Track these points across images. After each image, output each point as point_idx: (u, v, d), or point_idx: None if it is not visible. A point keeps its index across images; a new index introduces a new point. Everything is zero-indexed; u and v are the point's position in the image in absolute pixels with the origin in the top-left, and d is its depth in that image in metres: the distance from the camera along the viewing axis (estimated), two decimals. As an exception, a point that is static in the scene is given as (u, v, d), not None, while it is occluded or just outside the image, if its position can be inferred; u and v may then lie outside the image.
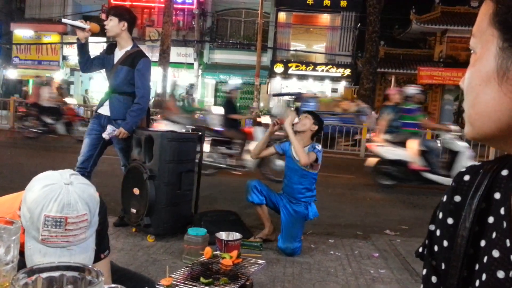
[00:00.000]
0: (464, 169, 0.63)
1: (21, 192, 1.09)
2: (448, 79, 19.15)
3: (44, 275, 0.60)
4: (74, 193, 0.98)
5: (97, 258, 1.27)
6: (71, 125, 10.46)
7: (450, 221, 0.60)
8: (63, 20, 3.75)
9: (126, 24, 3.45)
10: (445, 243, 0.60)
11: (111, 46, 3.60)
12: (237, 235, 2.86)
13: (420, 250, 0.71)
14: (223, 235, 2.83)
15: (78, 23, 3.39)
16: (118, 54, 3.51)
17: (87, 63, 3.51)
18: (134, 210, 3.40)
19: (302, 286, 2.66)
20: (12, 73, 22.49)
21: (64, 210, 0.95)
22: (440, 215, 0.63)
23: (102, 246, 1.32)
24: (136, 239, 3.34)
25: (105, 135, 3.42)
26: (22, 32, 22.12)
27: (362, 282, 2.81)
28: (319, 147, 3.29)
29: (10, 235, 0.69)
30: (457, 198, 0.60)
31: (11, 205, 1.12)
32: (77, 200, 0.97)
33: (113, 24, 3.41)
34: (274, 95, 15.56)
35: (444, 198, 0.64)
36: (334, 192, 6.14)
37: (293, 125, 3.30)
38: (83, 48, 3.44)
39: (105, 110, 3.54)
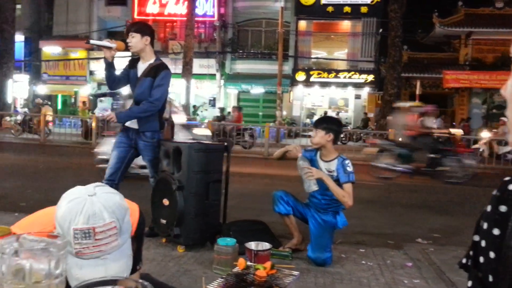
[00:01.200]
0: (508, 178, 0.61)
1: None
2: (475, 82, 18.72)
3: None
4: (98, 203, 0.99)
5: (133, 270, 1.28)
6: None
7: (496, 231, 0.58)
8: (91, 41, 3.82)
9: (149, 39, 3.51)
10: (492, 255, 0.58)
11: (134, 60, 3.65)
12: (266, 245, 2.84)
13: (464, 261, 0.68)
14: (252, 245, 2.82)
15: (104, 42, 3.46)
16: (142, 67, 3.57)
17: (115, 81, 3.59)
18: (163, 221, 3.43)
19: (334, 297, 2.62)
20: (41, 89, 23.24)
21: (90, 221, 0.97)
22: (485, 226, 0.61)
23: (137, 258, 1.33)
24: (167, 249, 3.36)
25: (97, 114, 3.45)
26: (50, 49, 22.90)
27: (396, 292, 2.74)
28: (346, 161, 3.15)
29: (59, 249, 0.70)
30: (503, 208, 0.58)
31: (50, 220, 1.14)
32: (102, 209, 0.99)
33: (136, 40, 3.47)
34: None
35: (488, 208, 0.61)
36: (362, 200, 6.04)
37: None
38: (110, 66, 3.51)
39: (132, 123, 3.58)
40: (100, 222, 0.97)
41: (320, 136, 3.17)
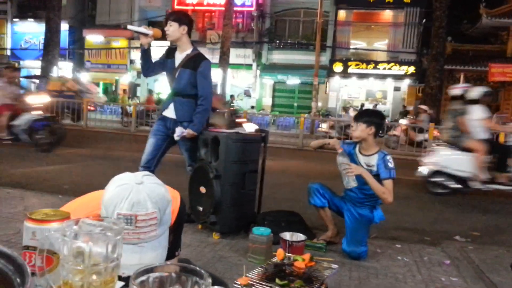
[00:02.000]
0: None
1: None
2: (523, 76, 17.81)
3: (155, 275, 0.65)
4: (144, 192, 1.03)
5: (172, 256, 1.33)
6: None
7: None
8: (128, 27, 3.84)
9: (186, 28, 3.53)
10: None
11: (171, 50, 3.69)
12: (301, 236, 2.86)
13: None
14: (287, 235, 2.84)
15: (142, 29, 3.51)
16: (179, 57, 3.60)
17: (149, 68, 3.64)
18: (200, 208, 3.51)
19: (369, 291, 2.61)
20: (84, 77, 24.06)
21: (134, 208, 1.00)
22: None
23: (177, 244, 1.38)
24: (203, 236, 3.44)
25: (176, 137, 3.54)
26: (93, 38, 23.63)
27: (433, 290, 2.70)
28: (388, 156, 3.08)
29: (115, 234, 0.75)
30: None
31: (97, 203, 1.19)
32: (146, 199, 1.02)
33: (173, 29, 3.50)
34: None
35: None
36: (399, 195, 5.91)
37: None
38: (146, 53, 3.57)
39: (170, 113, 3.66)
40: (142, 210, 1.01)
41: (361, 130, 3.12)
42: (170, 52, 3.68)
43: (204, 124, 3.63)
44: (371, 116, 3.19)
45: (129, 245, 1.00)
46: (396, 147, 11.57)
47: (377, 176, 3.05)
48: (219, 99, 12.12)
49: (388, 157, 3.08)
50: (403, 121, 13.12)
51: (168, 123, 3.68)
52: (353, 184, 3.01)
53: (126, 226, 0.99)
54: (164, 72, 3.73)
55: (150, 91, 20.99)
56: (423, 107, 13.11)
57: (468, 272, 3.06)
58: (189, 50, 3.60)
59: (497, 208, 5.68)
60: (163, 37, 3.57)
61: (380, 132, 3.18)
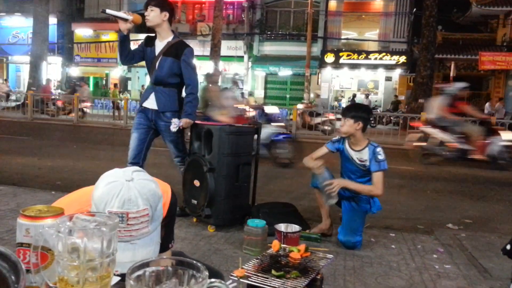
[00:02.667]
0: None
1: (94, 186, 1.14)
2: (513, 63, 17.93)
3: (150, 269, 0.64)
4: (135, 189, 1.01)
5: (165, 248, 1.33)
6: None
7: None
8: (107, 11, 3.54)
9: (167, 15, 3.41)
10: None
11: (150, 38, 3.56)
12: (296, 227, 2.86)
13: (509, 247, 0.68)
14: (282, 227, 2.85)
15: (121, 13, 3.35)
16: (160, 45, 3.48)
17: (128, 55, 3.48)
18: (195, 201, 3.51)
19: (364, 280, 2.63)
20: (74, 71, 23.82)
21: (125, 205, 0.99)
22: None
23: (170, 237, 1.38)
24: (197, 229, 3.45)
25: (173, 128, 3.43)
26: (82, 32, 23.34)
27: (426, 277, 2.73)
28: (378, 149, 3.09)
29: (110, 229, 0.74)
30: None
31: (89, 198, 1.18)
32: (137, 195, 1.01)
33: (155, 15, 3.38)
34: None
35: None
36: (392, 184, 5.98)
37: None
38: (125, 40, 3.42)
39: (151, 104, 3.53)
40: (134, 208, 1.00)
41: (349, 125, 3.11)
42: (150, 41, 3.55)
43: (196, 112, 3.58)
44: (358, 111, 3.17)
45: (121, 243, 0.99)
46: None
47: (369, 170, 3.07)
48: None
49: (378, 150, 3.09)
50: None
51: (149, 115, 3.55)
52: (333, 201, 3.04)
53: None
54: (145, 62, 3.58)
55: (142, 86, 20.85)
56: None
57: (461, 259, 3.10)
58: (170, 38, 3.47)
59: (488, 195, 5.74)
60: (144, 23, 3.40)
61: (367, 124, 3.18)
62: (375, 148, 3.09)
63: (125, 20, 3.30)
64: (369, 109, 3.36)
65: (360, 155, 3.14)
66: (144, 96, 3.63)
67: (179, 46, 3.45)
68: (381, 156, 3.06)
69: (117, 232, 0.94)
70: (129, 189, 1.01)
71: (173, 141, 3.60)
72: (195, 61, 3.64)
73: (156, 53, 3.48)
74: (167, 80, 3.47)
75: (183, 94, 3.63)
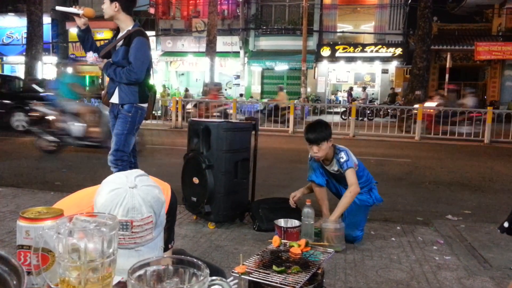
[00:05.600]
0: None
1: (97, 186, 1.14)
2: (509, 53, 17.97)
3: (151, 268, 0.64)
4: (138, 196, 1.00)
5: (166, 248, 1.33)
6: None
7: None
8: (57, 8, 3.49)
9: (117, 4, 3.32)
10: None
11: (117, 31, 3.51)
12: (296, 222, 2.87)
13: (506, 225, 0.67)
14: (282, 222, 2.85)
15: (71, 9, 3.30)
16: (120, 36, 3.43)
17: (91, 50, 3.42)
18: (194, 199, 3.51)
19: (365, 273, 2.64)
20: (69, 70, 23.69)
21: (129, 214, 0.98)
22: None
23: (170, 237, 1.38)
24: (198, 226, 3.45)
25: (88, 60, 3.29)
26: (76, 30, 23.14)
27: (427, 269, 2.74)
28: (338, 155, 3.09)
29: (110, 229, 0.74)
30: None
31: (89, 201, 1.18)
32: (141, 203, 1.00)
33: (105, 7, 3.32)
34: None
35: None
36: (391, 177, 6.00)
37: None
38: (83, 35, 3.36)
39: (114, 98, 3.45)
40: (138, 216, 0.99)
41: (324, 149, 3.08)
42: (116, 33, 3.50)
43: (110, 76, 3.37)
44: (322, 132, 3.10)
45: (125, 250, 0.99)
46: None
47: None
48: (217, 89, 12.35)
49: (339, 156, 3.10)
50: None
51: (114, 110, 3.48)
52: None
53: (122, 232, 0.97)
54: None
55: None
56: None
57: (461, 250, 3.12)
58: (129, 27, 3.40)
59: (486, 186, 5.76)
60: (102, 17, 3.34)
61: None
62: (336, 155, 3.12)
63: (77, 15, 3.25)
64: (326, 123, 3.27)
65: (332, 167, 3.20)
66: (109, 92, 3.51)
67: (132, 35, 3.34)
68: (342, 159, 3.08)
69: (121, 239, 0.94)
70: (133, 196, 1.00)
71: (118, 135, 3.41)
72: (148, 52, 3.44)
73: (117, 45, 3.42)
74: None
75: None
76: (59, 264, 0.74)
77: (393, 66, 20.86)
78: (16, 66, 23.78)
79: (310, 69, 20.55)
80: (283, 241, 1.60)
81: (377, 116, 16.46)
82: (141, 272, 0.64)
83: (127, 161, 3.47)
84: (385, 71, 21.35)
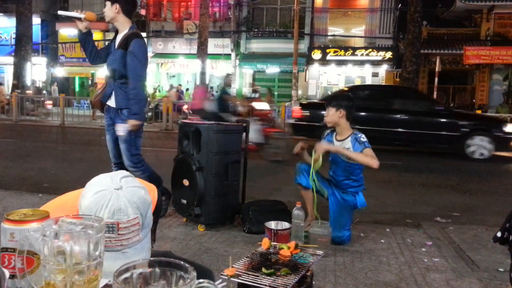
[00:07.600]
0: None
1: (81, 189, 1.12)
2: (497, 58, 18.20)
3: (138, 271, 0.64)
4: (124, 197, 0.99)
5: None
6: None
7: None
8: (59, 12, 3.53)
9: (118, 6, 3.32)
10: None
11: (116, 33, 3.51)
12: (286, 224, 2.86)
13: (499, 234, 0.68)
14: (272, 224, 2.85)
15: (74, 13, 3.29)
16: (118, 38, 3.42)
17: (92, 53, 3.42)
18: (184, 201, 3.49)
19: (354, 275, 2.65)
20: (59, 71, 23.49)
21: (115, 216, 0.96)
22: None
23: (152, 238, 1.36)
24: (188, 228, 3.43)
25: (121, 132, 3.30)
26: (66, 31, 23.00)
27: (416, 271, 2.76)
28: (359, 134, 3.12)
29: (97, 232, 0.73)
30: None
31: (74, 204, 1.16)
32: (127, 205, 0.98)
33: (106, 9, 3.33)
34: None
35: None
36: (380, 179, 6.03)
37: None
38: (85, 38, 3.36)
39: (110, 102, 3.43)
40: (124, 218, 0.97)
41: (331, 114, 3.16)
42: (114, 36, 3.49)
43: (143, 109, 3.38)
44: (339, 100, 3.22)
45: (112, 252, 0.96)
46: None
47: None
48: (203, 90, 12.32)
49: (359, 135, 3.13)
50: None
51: (110, 113, 3.45)
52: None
53: (108, 234, 0.95)
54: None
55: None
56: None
57: (449, 252, 3.14)
58: (126, 30, 3.39)
59: (474, 188, 5.82)
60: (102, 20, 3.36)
61: (352, 112, 3.21)
62: (356, 135, 3.15)
63: (79, 19, 3.26)
64: (351, 98, 3.35)
65: (343, 144, 3.19)
66: (105, 95, 3.49)
67: (129, 37, 3.33)
68: (363, 139, 3.11)
69: (108, 241, 0.93)
70: (118, 198, 0.98)
71: (127, 141, 3.40)
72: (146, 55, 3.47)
73: (115, 47, 3.41)
74: (120, 73, 3.34)
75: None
76: (45, 267, 0.73)
77: (383, 69, 21.01)
78: (4, 66, 23.50)
79: (301, 72, 20.61)
80: (272, 243, 1.60)
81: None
82: (127, 274, 0.63)
83: (143, 160, 3.53)
84: (375, 75, 21.49)
